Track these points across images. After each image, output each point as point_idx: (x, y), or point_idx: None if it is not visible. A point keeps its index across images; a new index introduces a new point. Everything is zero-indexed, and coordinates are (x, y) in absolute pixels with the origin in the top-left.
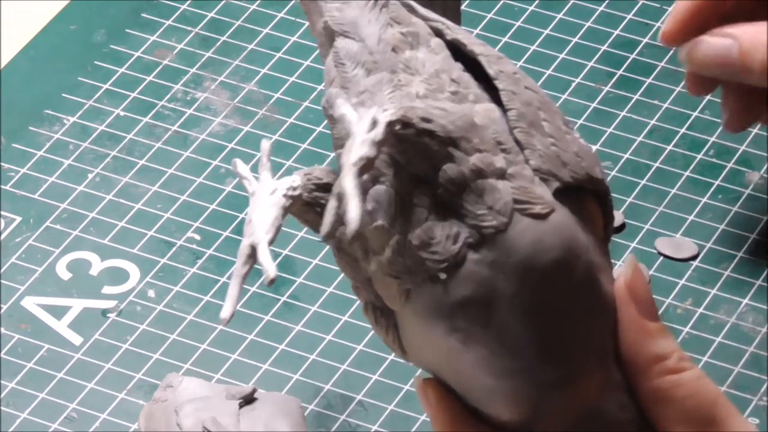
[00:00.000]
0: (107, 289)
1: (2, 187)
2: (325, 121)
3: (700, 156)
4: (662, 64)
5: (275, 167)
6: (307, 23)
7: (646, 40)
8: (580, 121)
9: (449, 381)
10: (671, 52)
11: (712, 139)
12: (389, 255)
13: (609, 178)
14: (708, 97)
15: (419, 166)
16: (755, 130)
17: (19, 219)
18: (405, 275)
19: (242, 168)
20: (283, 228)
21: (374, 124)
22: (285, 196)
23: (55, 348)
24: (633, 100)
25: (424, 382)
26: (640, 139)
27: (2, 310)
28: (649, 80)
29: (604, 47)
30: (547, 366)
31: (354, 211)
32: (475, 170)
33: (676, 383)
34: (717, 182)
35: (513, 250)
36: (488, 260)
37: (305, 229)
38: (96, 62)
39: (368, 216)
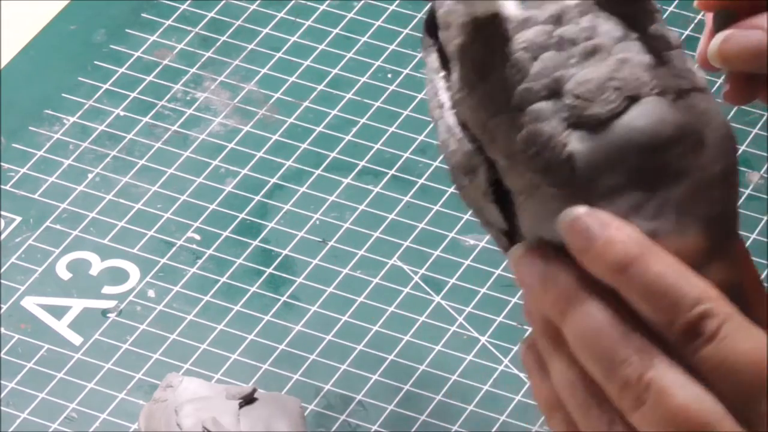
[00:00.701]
0: (107, 289)
1: (2, 187)
2: (326, 121)
3: None
4: None
5: (275, 167)
6: (306, 23)
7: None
8: None
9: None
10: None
11: None
12: (609, 68)
13: None
14: None
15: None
16: (755, 130)
17: (19, 219)
18: (624, 86)
19: None
20: (282, 228)
21: None
22: None
23: (55, 348)
24: None
25: (529, 249)
26: None
27: (2, 310)
28: None
29: None
30: (725, 221)
31: None
32: (677, 40)
33: None
34: None
35: (717, 110)
36: (701, 107)
37: (305, 229)
38: (96, 62)
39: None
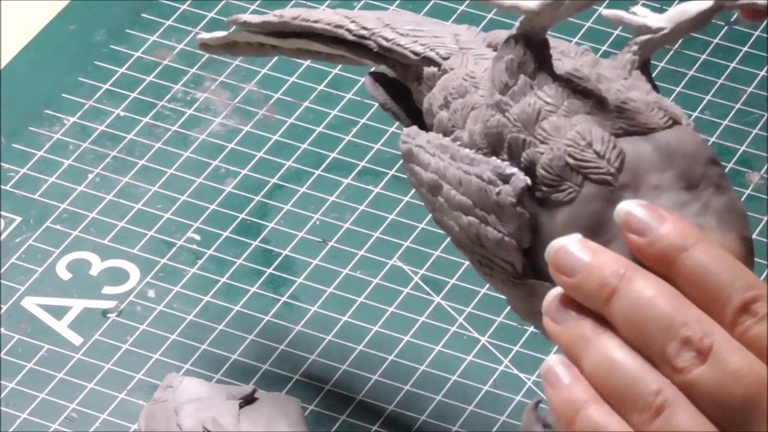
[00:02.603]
0: (107, 289)
1: (2, 187)
2: (326, 121)
3: None
4: (662, 64)
5: (275, 167)
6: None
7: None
8: None
9: None
10: (671, 52)
11: (712, 139)
12: (654, 96)
13: None
14: (708, 97)
15: None
16: (755, 131)
17: (19, 219)
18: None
19: None
20: (283, 228)
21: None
22: None
23: (55, 348)
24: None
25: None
26: None
27: (2, 310)
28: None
29: (604, 47)
30: (751, 245)
31: None
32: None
33: None
34: None
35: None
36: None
37: (305, 229)
38: (96, 62)
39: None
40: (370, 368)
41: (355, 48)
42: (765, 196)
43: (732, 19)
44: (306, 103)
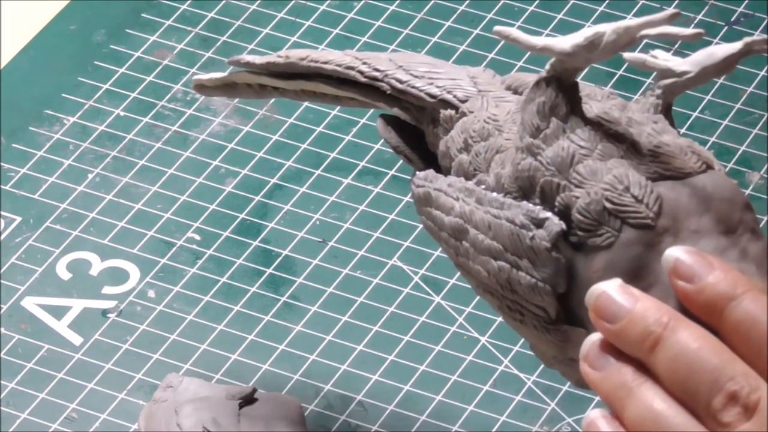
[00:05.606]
0: (107, 289)
1: (2, 187)
2: (326, 121)
3: None
4: None
5: (275, 167)
6: (306, 23)
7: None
8: None
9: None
10: (670, 53)
11: (712, 139)
12: (686, 141)
13: None
14: (708, 97)
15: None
16: (755, 131)
17: (19, 219)
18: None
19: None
20: (283, 228)
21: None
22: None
23: (55, 348)
24: (633, 101)
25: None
26: None
27: (2, 310)
28: (648, 80)
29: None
30: None
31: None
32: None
33: None
34: None
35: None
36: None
37: (305, 229)
38: (96, 62)
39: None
40: (370, 368)
41: (367, 90)
42: (765, 196)
43: (732, 19)
44: (306, 103)
